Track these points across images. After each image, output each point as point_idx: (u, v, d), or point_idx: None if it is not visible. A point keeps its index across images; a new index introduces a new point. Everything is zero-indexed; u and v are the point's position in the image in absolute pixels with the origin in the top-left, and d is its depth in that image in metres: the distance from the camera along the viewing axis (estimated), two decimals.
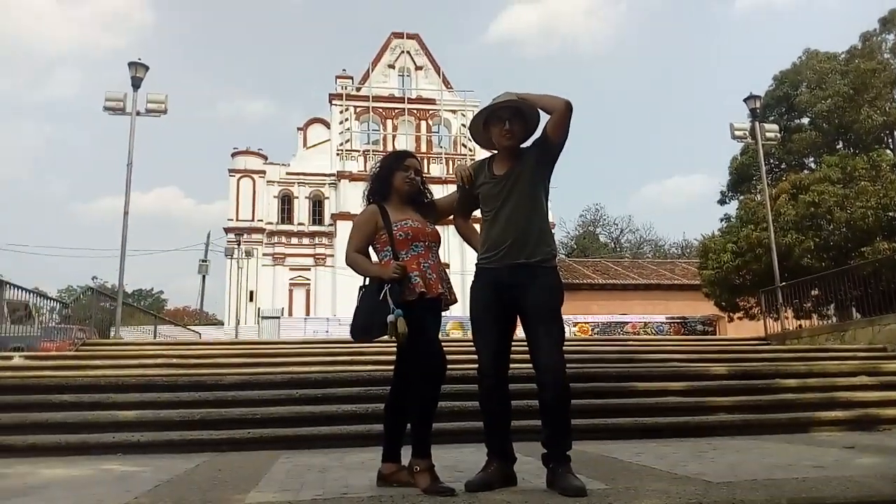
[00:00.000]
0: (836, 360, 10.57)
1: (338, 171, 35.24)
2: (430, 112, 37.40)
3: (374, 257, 3.34)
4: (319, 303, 33.60)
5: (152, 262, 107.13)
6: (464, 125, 37.23)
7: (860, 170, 20.74)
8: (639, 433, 5.69)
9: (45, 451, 4.97)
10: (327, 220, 35.29)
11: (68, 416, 5.49)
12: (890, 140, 23.87)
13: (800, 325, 18.19)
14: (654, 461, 4.08)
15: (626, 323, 27.58)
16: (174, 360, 9.56)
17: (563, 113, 3.06)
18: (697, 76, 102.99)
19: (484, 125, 3.28)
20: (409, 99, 37.08)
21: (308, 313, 33.08)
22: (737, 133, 16.85)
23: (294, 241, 35.10)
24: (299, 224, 35.30)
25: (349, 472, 3.87)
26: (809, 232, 21.27)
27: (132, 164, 13.37)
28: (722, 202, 28.03)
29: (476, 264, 3.26)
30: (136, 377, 6.37)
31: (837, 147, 24.28)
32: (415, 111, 37.14)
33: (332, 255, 34.44)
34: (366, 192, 3.48)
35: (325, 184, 35.53)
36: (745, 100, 16.25)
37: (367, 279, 3.23)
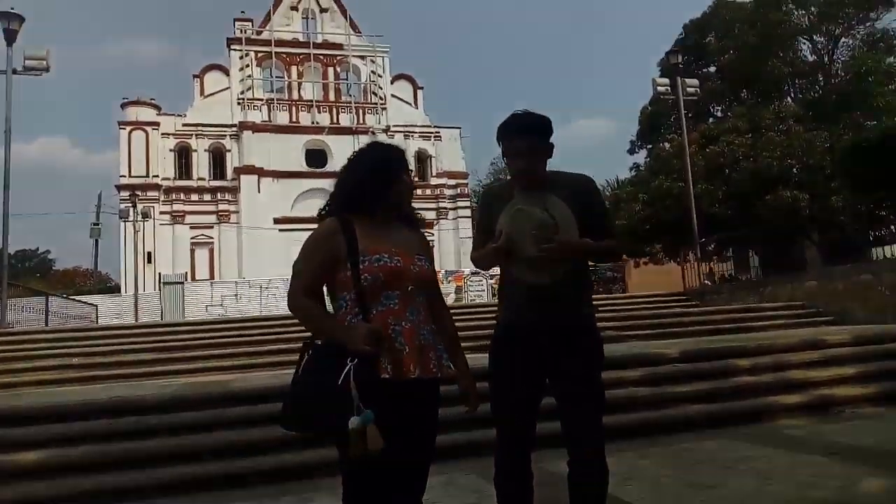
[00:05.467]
0: (764, 319, 10.85)
1: (239, 122, 33.15)
2: (338, 58, 35.58)
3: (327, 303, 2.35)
4: (224, 263, 32.01)
5: (37, 219, 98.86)
6: (373, 72, 35.76)
7: (766, 120, 21.31)
8: (609, 434, 5.37)
9: None
10: (230, 174, 33.36)
11: None
12: (791, 90, 24.70)
13: (720, 276, 18.76)
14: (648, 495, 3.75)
15: None
16: (75, 361, 8.54)
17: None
18: (605, 19, 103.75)
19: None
20: (314, 44, 35.07)
21: (212, 275, 31.47)
22: (659, 88, 16.78)
23: (194, 197, 33.00)
24: (199, 179, 33.17)
25: None
26: (717, 181, 21.81)
27: (10, 130, 11.68)
28: (631, 151, 28.44)
29: (498, 316, 2.68)
30: (37, 405, 5.41)
31: (742, 96, 24.90)
32: (321, 57, 35.21)
33: (236, 212, 32.71)
34: (331, 200, 2.34)
35: (225, 135, 33.38)
36: (668, 53, 16.14)
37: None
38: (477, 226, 2.81)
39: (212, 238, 32.76)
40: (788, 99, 24.29)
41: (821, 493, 3.58)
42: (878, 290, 10.21)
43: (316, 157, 34.06)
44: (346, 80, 36.08)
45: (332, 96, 35.06)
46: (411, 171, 2.41)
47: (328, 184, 37.63)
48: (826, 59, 23.39)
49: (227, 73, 34.08)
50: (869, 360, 6.93)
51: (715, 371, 6.61)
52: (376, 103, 35.17)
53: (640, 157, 27.44)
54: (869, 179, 15.35)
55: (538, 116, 2.54)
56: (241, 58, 33.98)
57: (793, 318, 10.84)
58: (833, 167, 19.47)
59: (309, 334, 2.20)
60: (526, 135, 2.49)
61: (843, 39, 23.39)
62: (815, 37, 24.09)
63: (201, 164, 33.21)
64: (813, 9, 23.30)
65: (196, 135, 33.12)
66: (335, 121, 34.58)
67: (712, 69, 25.52)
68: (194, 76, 33.97)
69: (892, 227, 12.25)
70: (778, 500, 3.55)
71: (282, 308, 23.75)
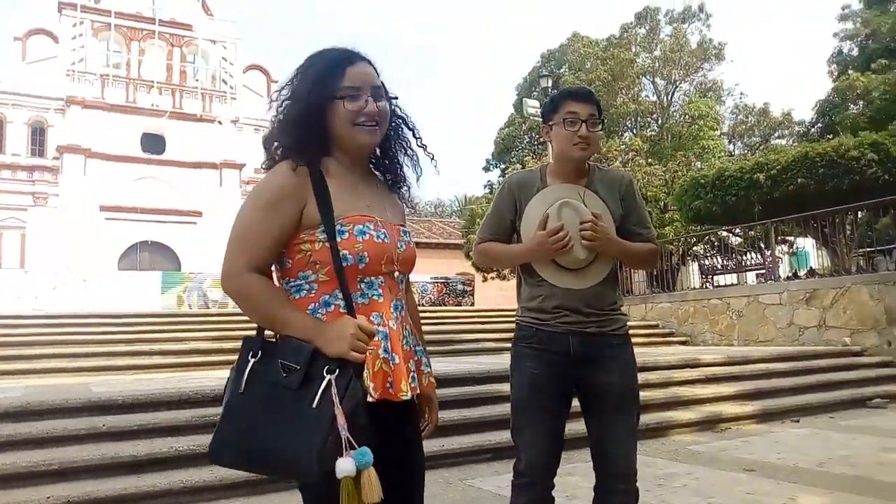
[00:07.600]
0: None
1: (67, 96, 29.70)
2: (186, 39, 33.14)
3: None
4: (39, 251, 28.44)
5: None
6: (224, 58, 33.77)
7: (614, 152, 22.74)
8: (493, 454, 5.20)
9: None
10: (51, 152, 29.80)
11: None
12: (635, 126, 26.62)
13: None
14: None
15: None
16: None
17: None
18: (465, 43, 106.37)
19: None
20: (160, 21, 32.42)
21: (23, 264, 27.82)
22: (529, 110, 17.38)
23: (6, 174, 29.03)
24: (14, 155, 29.23)
25: None
26: None
27: None
28: (486, 169, 29.27)
29: (520, 319, 2.35)
30: None
31: None
32: (167, 35, 32.58)
33: (56, 195, 29.23)
34: (271, 136, 1.60)
35: (49, 109, 29.76)
36: (540, 76, 16.67)
37: (270, 333, 1.50)
38: (490, 216, 2.44)
39: (24, 223, 29.00)
40: (631, 133, 26.19)
41: None
42: (726, 314, 11.10)
43: (153, 143, 31.43)
44: (194, 63, 33.71)
45: (175, 79, 32.57)
46: (362, 81, 1.58)
47: (165, 172, 34.39)
48: (666, 100, 25.49)
49: (56, 40, 30.52)
50: (742, 380, 7.41)
51: None
52: (225, 92, 33.22)
53: (495, 175, 28.28)
54: (705, 213, 16.88)
55: None
56: (73, 25, 30.57)
57: (650, 337, 11.47)
58: (670, 200, 21.19)
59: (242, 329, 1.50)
60: (589, 102, 2.25)
61: (680, 84, 25.63)
62: (656, 79, 26.19)
63: (17, 138, 29.34)
64: (657, 53, 25.36)
65: (13, 104, 29.24)
66: (178, 106, 32.14)
67: None
68: (16, 39, 30.06)
69: (748, 254, 13.41)
70: None
71: (107, 306, 21.42)
